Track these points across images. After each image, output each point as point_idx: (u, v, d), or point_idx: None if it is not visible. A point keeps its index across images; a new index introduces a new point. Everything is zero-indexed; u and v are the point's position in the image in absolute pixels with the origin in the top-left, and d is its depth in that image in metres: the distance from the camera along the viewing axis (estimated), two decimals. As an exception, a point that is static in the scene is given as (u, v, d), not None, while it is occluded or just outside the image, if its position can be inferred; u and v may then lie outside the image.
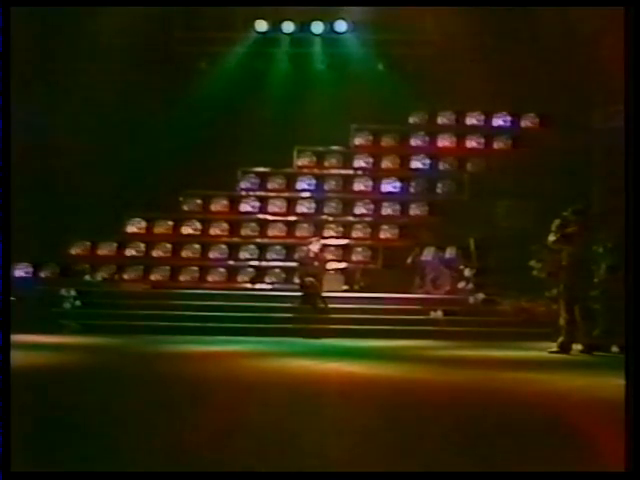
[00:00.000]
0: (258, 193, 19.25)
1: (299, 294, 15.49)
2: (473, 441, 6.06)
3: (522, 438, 6.16)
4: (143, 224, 18.46)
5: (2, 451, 5.00)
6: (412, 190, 19.21)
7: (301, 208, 18.96)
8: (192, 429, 6.39)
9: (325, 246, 17.12)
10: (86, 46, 18.92)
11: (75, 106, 18.44)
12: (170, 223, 18.56)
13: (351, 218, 18.72)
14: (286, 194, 19.22)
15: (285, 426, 6.57)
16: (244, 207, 19.00)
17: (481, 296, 15.82)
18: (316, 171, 19.69)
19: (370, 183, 19.35)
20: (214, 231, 18.49)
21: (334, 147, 20.02)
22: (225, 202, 19.01)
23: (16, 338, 6.79)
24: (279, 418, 6.96)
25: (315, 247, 15.97)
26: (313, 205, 18.97)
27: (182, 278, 17.51)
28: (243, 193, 19.29)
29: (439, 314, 15.46)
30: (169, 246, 18.07)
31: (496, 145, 19.80)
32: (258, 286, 17.31)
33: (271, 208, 18.92)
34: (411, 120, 20.38)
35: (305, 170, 19.72)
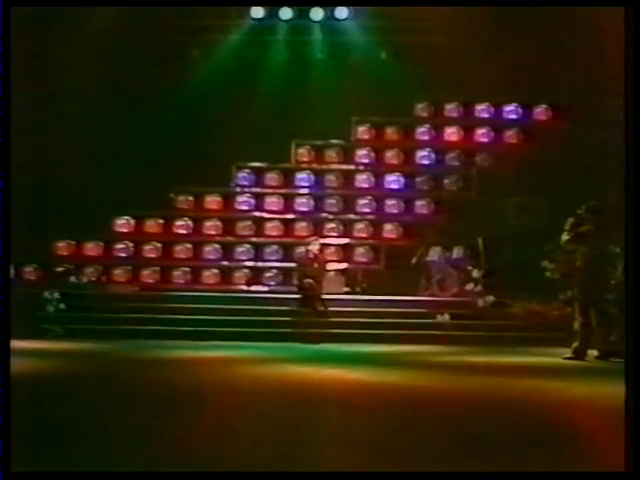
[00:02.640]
0: (254, 189, 19.23)
1: (297, 296, 15.47)
2: (482, 452, 6.03)
3: (535, 449, 6.12)
4: (132, 222, 18.43)
5: (2, 451, 5.12)
6: (417, 186, 19.19)
7: (299, 205, 18.93)
8: (184, 438, 6.36)
9: (325, 245, 17.11)
10: (73, 34, 18.88)
11: (59, 98, 18.40)
12: (161, 221, 18.53)
13: (352, 216, 18.69)
14: (283, 190, 19.20)
15: (283, 436, 6.53)
16: (239, 204, 18.97)
17: (490, 299, 15.80)
18: (315, 166, 19.67)
19: (372, 179, 19.33)
20: (207, 229, 18.46)
21: (334, 140, 19.98)
22: (219, 199, 18.99)
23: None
24: (276, 427, 6.93)
25: (314, 247, 15.95)
26: (312, 202, 18.94)
27: (173, 279, 17.48)
28: (238, 189, 19.27)
29: (446, 318, 15.45)
30: (159, 245, 18.04)
31: (506, 138, 19.78)
32: (254, 288, 17.31)
33: (267, 205, 18.90)
34: (416, 111, 20.36)
35: (303, 165, 19.70)
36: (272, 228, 18.46)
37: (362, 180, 19.35)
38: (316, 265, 15.69)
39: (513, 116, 20.06)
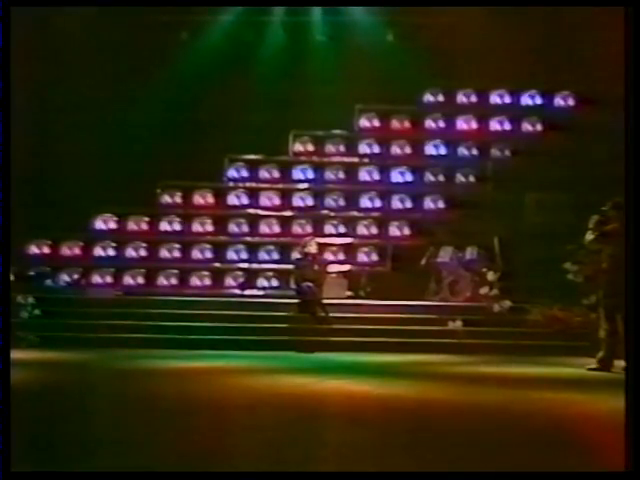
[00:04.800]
0: (248, 184, 19.22)
1: (295, 301, 15.45)
2: (499, 470, 5.99)
3: (557, 466, 6.09)
4: (114, 220, 18.41)
5: (2, 451, 5.53)
6: (426, 180, 19.18)
7: (298, 201, 18.93)
8: (172, 456, 6.33)
9: (325, 245, 17.08)
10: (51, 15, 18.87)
11: (32, 87, 18.36)
12: (145, 219, 18.52)
13: (355, 213, 18.71)
14: (280, 185, 19.20)
15: (279, 453, 6.51)
16: (232, 200, 18.97)
17: (507, 304, 15.78)
18: (315, 159, 19.68)
19: (377, 172, 19.33)
20: (197, 228, 18.46)
21: (336, 131, 20.00)
22: (209, 195, 18.98)
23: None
24: (272, 444, 6.90)
25: (314, 247, 15.92)
26: (311, 198, 18.94)
27: (159, 282, 17.47)
28: (230, 184, 19.27)
29: (458, 324, 15.42)
30: (144, 245, 18.03)
31: (525, 128, 19.79)
32: (248, 292, 17.29)
33: (263, 201, 18.91)
34: (425, 99, 20.37)
35: (302, 157, 19.70)
36: (268, 226, 18.44)
37: (366, 174, 19.35)
38: (316, 267, 15.67)
39: (533, 103, 20.06)
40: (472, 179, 19.03)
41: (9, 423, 5.85)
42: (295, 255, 16.86)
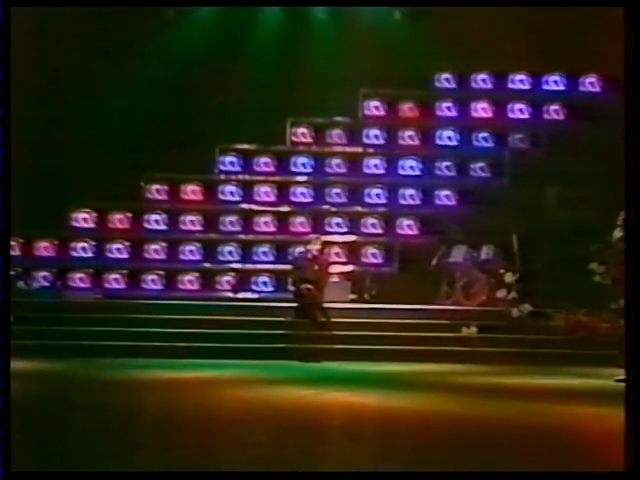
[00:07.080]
0: (241, 177, 19.22)
1: (294, 305, 15.44)
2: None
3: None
4: (94, 216, 18.41)
5: (2, 451, 5.80)
6: (438, 173, 19.18)
7: (296, 196, 18.92)
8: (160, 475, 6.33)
9: (327, 244, 17.07)
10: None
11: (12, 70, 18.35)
12: (129, 215, 18.52)
13: (360, 208, 18.70)
14: (277, 178, 19.19)
15: (277, 470, 6.50)
16: (223, 194, 18.96)
17: (527, 308, 15.77)
18: (315, 148, 19.67)
19: (384, 164, 19.33)
20: (185, 225, 18.46)
21: (338, 118, 19.97)
22: (199, 188, 18.97)
23: None
24: (269, 460, 6.89)
25: (314, 245, 15.91)
26: (311, 192, 18.94)
27: (144, 285, 17.47)
28: (222, 177, 19.26)
29: (473, 331, 15.44)
30: (127, 244, 18.03)
31: (546, 115, 19.79)
32: (241, 295, 17.30)
33: (258, 196, 18.90)
34: (437, 83, 20.36)
35: (301, 147, 19.69)
36: (263, 223, 18.45)
37: (372, 165, 19.35)
38: (316, 267, 15.64)
39: (555, 88, 20.06)
40: (488, 171, 19.02)
41: (9, 424, 6.04)
42: (293, 254, 16.87)
